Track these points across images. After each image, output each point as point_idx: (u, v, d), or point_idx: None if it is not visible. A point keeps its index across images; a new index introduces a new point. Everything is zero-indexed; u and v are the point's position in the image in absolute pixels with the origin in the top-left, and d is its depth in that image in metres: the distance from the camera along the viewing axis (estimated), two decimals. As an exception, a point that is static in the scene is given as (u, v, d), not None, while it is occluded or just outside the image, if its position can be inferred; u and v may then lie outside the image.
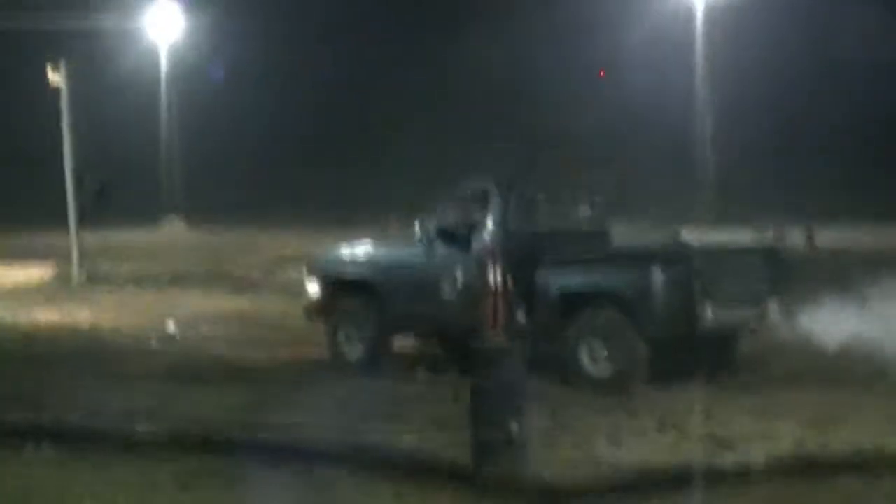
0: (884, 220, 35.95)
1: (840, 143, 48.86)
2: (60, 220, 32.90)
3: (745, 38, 46.14)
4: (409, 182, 20.88)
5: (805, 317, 15.01)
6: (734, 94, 45.60)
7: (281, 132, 60.12)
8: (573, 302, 14.81)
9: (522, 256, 13.93)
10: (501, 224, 15.36)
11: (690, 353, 14.53)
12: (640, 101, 47.75)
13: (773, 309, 15.12)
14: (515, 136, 50.00)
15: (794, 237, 33.94)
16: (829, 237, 33.95)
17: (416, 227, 16.07)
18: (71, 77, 32.12)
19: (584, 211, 16.66)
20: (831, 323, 14.79)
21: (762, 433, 11.64)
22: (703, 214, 37.19)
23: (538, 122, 51.01)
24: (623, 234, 17.30)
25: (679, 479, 9.78)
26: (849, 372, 14.16)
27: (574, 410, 12.76)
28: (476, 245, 15.31)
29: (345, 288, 16.87)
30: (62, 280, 31.32)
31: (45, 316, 23.59)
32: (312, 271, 17.41)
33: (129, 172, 55.14)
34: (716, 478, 9.80)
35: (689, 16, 44.78)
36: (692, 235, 17.62)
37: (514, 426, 9.53)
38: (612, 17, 48.92)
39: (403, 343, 17.17)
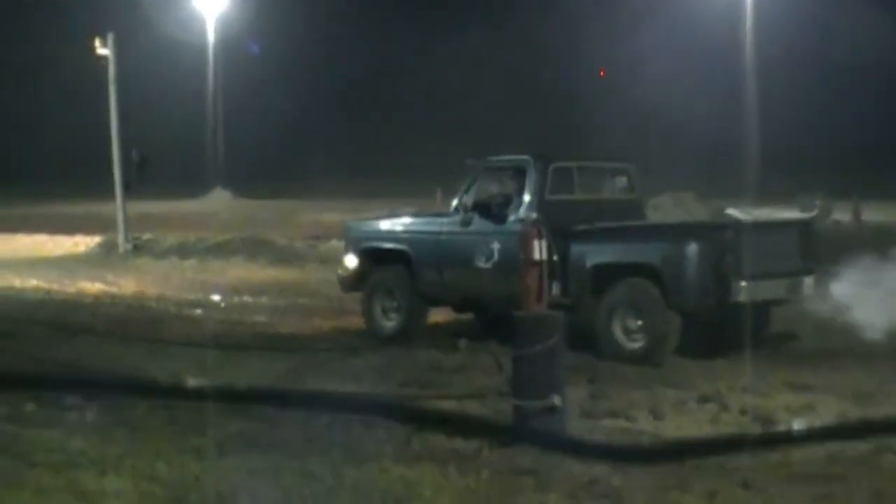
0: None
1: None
2: (107, 190, 33.14)
3: (792, 28, 45.89)
4: (454, 152, 20.87)
5: (842, 291, 14.91)
6: (781, 79, 45.36)
7: (325, 104, 60.21)
8: (607, 274, 14.81)
9: (557, 228, 13.91)
10: (539, 196, 15.41)
11: (724, 325, 14.60)
12: (688, 87, 47.68)
13: (808, 283, 15.06)
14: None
15: (840, 213, 33.84)
16: (878, 212, 33.75)
17: (452, 201, 16.18)
18: (117, 49, 32.29)
19: (619, 183, 16.74)
20: (868, 298, 14.69)
21: (803, 407, 11.56)
22: (750, 189, 36.99)
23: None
24: (664, 207, 17.29)
25: (721, 451, 9.72)
26: (885, 348, 14.02)
27: (613, 382, 12.73)
28: (513, 217, 15.38)
29: (381, 259, 16.92)
30: (108, 249, 31.59)
31: (91, 284, 23.80)
32: (349, 242, 17.49)
33: (174, 143, 55.55)
34: (760, 450, 9.71)
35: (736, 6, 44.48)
36: (736, 210, 17.49)
37: (556, 397, 9.52)
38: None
39: (440, 314, 17.25)
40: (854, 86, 48.91)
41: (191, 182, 53.21)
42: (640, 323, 14.50)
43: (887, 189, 39.67)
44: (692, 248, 14.38)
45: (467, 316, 17.29)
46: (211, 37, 56.75)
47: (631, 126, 48.17)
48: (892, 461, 9.39)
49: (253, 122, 58.78)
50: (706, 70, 47.31)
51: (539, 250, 9.89)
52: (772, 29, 44.74)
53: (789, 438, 10.21)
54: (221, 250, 29.74)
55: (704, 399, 11.96)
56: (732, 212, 17.31)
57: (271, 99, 60.73)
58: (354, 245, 17.33)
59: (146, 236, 32.56)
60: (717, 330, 14.77)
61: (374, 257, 17.03)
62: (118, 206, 32.28)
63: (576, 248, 14.80)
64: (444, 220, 16.41)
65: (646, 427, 10.88)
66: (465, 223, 16.00)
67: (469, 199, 16.02)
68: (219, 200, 51.39)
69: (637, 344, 14.51)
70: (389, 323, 16.70)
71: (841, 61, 50.27)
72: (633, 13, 50.01)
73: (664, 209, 27.82)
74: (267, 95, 60.36)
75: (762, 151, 42.86)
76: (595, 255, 14.98)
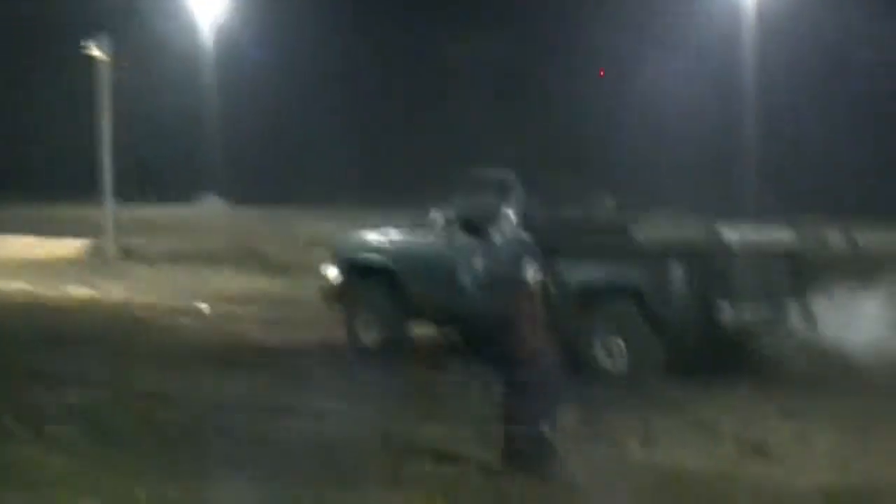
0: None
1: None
2: (98, 195, 32.91)
3: (790, 36, 45.65)
4: (451, 166, 20.84)
5: (830, 319, 14.74)
6: (779, 90, 45.16)
7: (321, 115, 59.99)
8: (590, 294, 14.64)
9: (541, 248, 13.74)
10: (523, 213, 15.25)
11: (710, 351, 14.41)
12: (679, 97, 47.42)
13: (797, 309, 14.89)
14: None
15: (835, 236, 33.61)
16: (876, 238, 33.52)
17: (435, 215, 16.01)
18: (112, 53, 32.10)
19: (606, 200, 16.61)
20: (857, 327, 14.51)
21: (798, 436, 11.37)
22: (744, 208, 36.79)
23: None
24: (656, 226, 17.12)
25: (714, 482, 9.53)
26: (875, 377, 13.82)
27: (603, 406, 12.52)
28: (497, 234, 15.23)
29: (364, 273, 16.75)
30: (96, 254, 31.33)
31: (77, 291, 23.56)
32: (332, 256, 17.35)
33: (169, 148, 55.31)
34: (755, 483, 9.54)
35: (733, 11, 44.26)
36: (729, 230, 17.30)
37: (545, 426, 9.32)
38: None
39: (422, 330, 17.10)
40: (867, 104, 48.64)
41: (185, 188, 52.96)
42: (622, 345, 14.34)
43: (886, 210, 39.46)
44: (675, 268, 14.21)
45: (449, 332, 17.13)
46: (206, 41, 56.58)
47: (628, 135, 47.91)
48: (890, 499, 9.21)
49: (252, 130, 58.56)
50: (712, 80, 47.03)
51: (532, 274, 9.67)
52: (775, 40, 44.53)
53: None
54: (212, 258, 29.50)
55: (695, 425, 11.76)
56: (725, 231, 17.10)
57: (272, 106, 60.48)
58: (337, 257, 17.19)
59: (135, 241, 32.32)
60: (707, 353, 14.61)
61: (357, 271, 16.87)
62: (107, 211, 32.07)
63: (559, 267, 14.60)
64: (428, 234, 16.25)
65: (636, 454, 10.67)
66: (448, 238, 15.86)
67: (452, 214, 15.87)
68: (212, 207, 51.13)
69: (620, 366, 14.34)
70: (371, 337, 16.53)
71: (851, 78, 50.09)
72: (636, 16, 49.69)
73: (655, 226, 27.63)
74: (267, 102, 60.08)
75: (761, 168, 42.66)
76: (579, 274, 14.80)
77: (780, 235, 15.84)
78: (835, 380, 14.03)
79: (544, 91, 53.80)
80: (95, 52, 31.99)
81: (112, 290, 23.79)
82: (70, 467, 9.10)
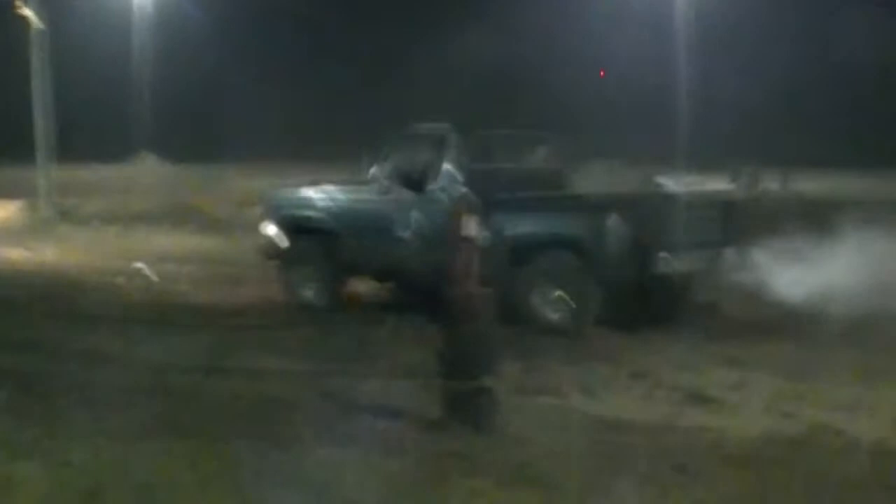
0: (872, 168, 35.82)
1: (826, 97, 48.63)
2: (30, 154, 32.50)
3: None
4: (388, 122, 20.79)
5: (765, 263, 14.81)
6: (715, 31, 45.25)
7: (261, 66, 59.48)
8: (527, 245, 14.66)
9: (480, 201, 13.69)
10: (459, 165, 15.23)
11: (646, 298, 14.55)
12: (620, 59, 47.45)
13: (732, 254, 14.96)
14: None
15: (771, 182, 33.82)
16: (810, 184, 33.77)
17: (371, 168, 15.93)
18: (41, 10, 31.63)
19: (542, 152, 16.60)
20: (792, 270, 14.59)
21: (737, 383, 11.42)
22: (680, 159, 36.90)
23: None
24: (596, 176, 17.13)
25: (656, 430, 9.54)
26: (810, 320, 13.89)
27: (543, 357, 12.52)
28: (433, 186, 15.24)
29: (299, 229, 16.62)
30: (31, 216, 30.94)
31: (11, 253, 23.27)
32: (268, 211, 17.21)
33: (100, 106, 54.68)
34: (695, 430, 9.56)
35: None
36: (666, 179, 17.33)
37: (486, 377, 9.28)
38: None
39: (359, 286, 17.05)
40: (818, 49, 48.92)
41: (117, 146, 52.37)
42: (559, 294, 14.37)
43: (821, 156, 39.75)
44: (614, 220, 14.25)
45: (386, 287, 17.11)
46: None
47: (575, 89, 47.87)
48: (829, 441, 9.26)
49: (183, 85, 57.94)
50: (649, 26, 47.01)
51: (468, 226, 9.61)
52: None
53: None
54: (147, 217, 29.26)
55: (635, 375, 11.79)
56: (662, 180, 17.14)
57: (203, 61, 59.87)
58: (273, 213, 17.04)
59: (70, 202, 31.97)
60: (643, 302, 14.67)
61: (294, 226, 16.74)
62: (40, 171, 31.68)
63: (495, 219, 14.56)
64: (364, 188, 16.15)
65: (578, 404, 10.66)
66: (384, 192, 15.79)
67: (388, 168, 15.79)
68: (145, 165, 50.68)
69: (557, 315, 14.39)
70: (308, 293, 16.45)
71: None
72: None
73: (593, 176, 27.70)
74: (203, 62, 59.48)
75: (700, 117, 42.76)
76: (515, 225, 14.79)
77: (716, 184, 15.92)
78: (772, 327, 14.13)
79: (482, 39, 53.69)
80: (27, 11, 31.52)
81: (47, 252, 23.53)
82: (6, 429, 8.95)
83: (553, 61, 49.73)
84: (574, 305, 14.25)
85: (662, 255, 14.03)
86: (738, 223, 15.34)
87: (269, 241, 16.98)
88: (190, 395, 10.58)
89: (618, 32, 47.17)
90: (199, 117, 57.13)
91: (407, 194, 15.61)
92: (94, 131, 49.73)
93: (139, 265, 20.46)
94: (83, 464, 8.10)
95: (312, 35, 61.37)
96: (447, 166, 15.37)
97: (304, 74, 59.35)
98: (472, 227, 9.54)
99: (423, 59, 54.52)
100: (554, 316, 14.39)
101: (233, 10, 58.78)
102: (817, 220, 15.68)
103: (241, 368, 11.90)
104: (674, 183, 16.51)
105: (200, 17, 57.35)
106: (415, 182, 15.56)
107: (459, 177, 15.13)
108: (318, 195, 16.75)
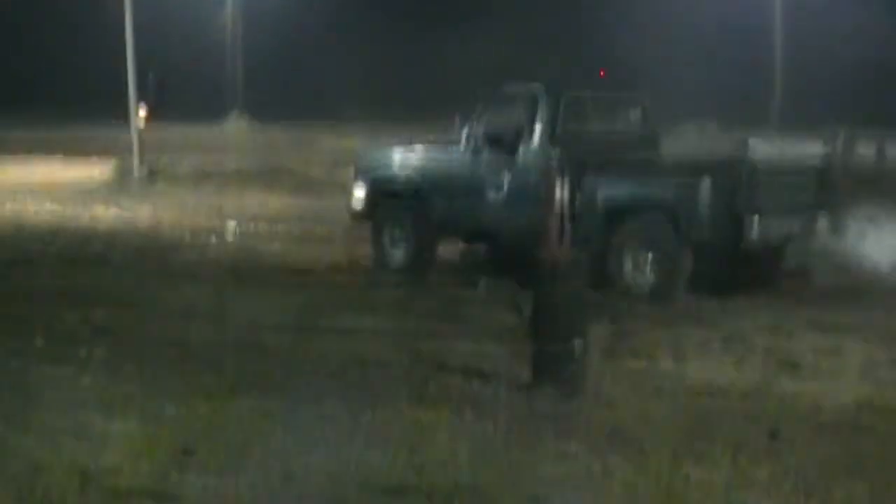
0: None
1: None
2: (124, 114, 32.80)
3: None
4: (477, 80, 20.74)
5: (857, 233, 14.63)
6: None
7: (346, 30, 59.57)
8: (620, 209, 14.59)
9: (570, 164, 13.63)
10: (550, 127, 15.14)
11: (740, 266, 14.46)
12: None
13: (825, 220, 14.78)
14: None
15: (864, 149, 33.30)
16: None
17: (462, 131, 15.86)
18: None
19: (634, 115, 16.43)
20: (886, 236, 14.40)
21: (830, 349, 11.29)
22: (773, 121, 36.51)
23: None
24: (688, 139, 17.00)
25: (749, 396, 9.46)
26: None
27: (635, 321, 12.47)
28: (524, 148, 15.17)
29: (390, 191, 16.63)
30: (123, 176, 31.27)
31: (105, 212, 23.56)
32: (358, 172, 17.20)
33: (192, 66, 55.09)
34: (789, 397, 9.47)
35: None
36: (759, 143, 17.13)
37: (577, 341, 9.25)
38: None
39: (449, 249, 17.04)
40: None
41: (209, 107, 52.77)
42: (651, 259, 14.31)
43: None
44: (706, 185, 14.15)
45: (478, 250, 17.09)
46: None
47: (656, 51, 47.52)
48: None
49: (275, 45, 58.23)
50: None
51: (560, 191, 9.57)
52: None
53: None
54: (238, 177, 29.48)
55: (728, 340, 11.71)
56: (754, 143, 16.95)
57: (294, 21, 60.10)
58: (364, 175, 17.04)
59: (163, 161, 32.26)
60: (735, 267, 14.55)
61: (384, 188, 16.75)
62: (133, 131, 31.97)
63: (588, 183, 14.47)
64: (455, 150, 16.09)
65: (668, 368, 10.61)
66: (476, 154, 15.72)
67: (480, 130, 15.71)
68: (237, 125, 51.01)
69: (649, 280, 14.33)
70: (398, 254, 16.44)
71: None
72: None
73: (686, 139, 27.53)
74: (289, 22, 59.71)
75: (790, 80, 42.31)
76: (607, 189, 14.71)
77: (808, 149, 15.71)
78: (864, 293, 13.95)
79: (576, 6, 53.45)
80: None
81: (139, 211, 23.79)
82: (102, 387, 9.09)
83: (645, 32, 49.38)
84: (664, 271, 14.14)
85: (754, 220, 13.88)
86: (831, 188, 15.12)
87: (359, 202, 16.97)
88: (282, 353, 10.67)
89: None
90: (288, 77, 57.36)
91: (498, 155, 15.53)
92: (188, 92, 50.13)
93: (229, 223, 20.64)
94: (176, 421, 8.20)
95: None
96: (539, 127, 15.28)
97: (392, 36, 59.32)
98: (564, 192, 9.49)
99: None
100: (646, 280, 14.30)
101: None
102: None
103: (332, 328, 11.96)
104: (767, 146, 16.30)
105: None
106: (506, 143, 15.48)
107: (551, 138, 15.03)
108: (410, 156, 16.73)
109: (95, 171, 31.76)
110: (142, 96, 32.22)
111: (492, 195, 15.48)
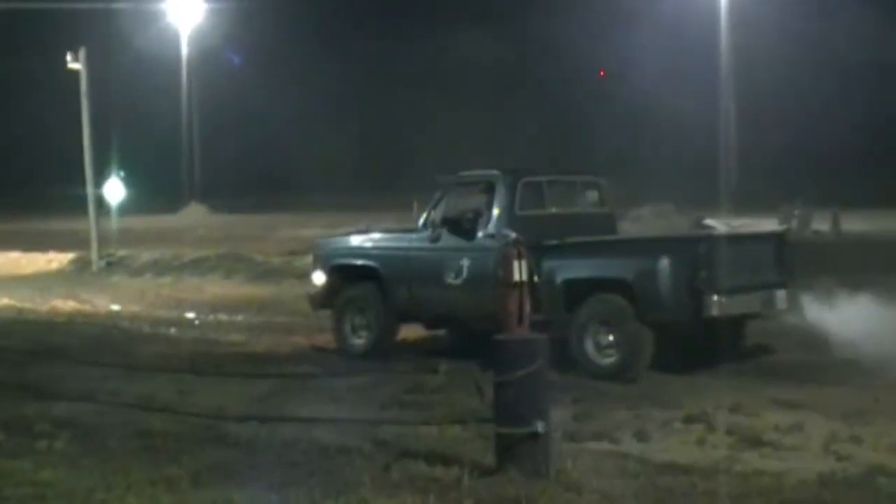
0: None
1: (861, 140, 48.47)
2: (81, 207, 32.78)
3: (765, 36, 45.78)
4: (437, 166, 20.94)
5: (818, 304, 14.73)
6: (757, 91, 45.32)
7: (305, 117, 59.95)
8: (579, 289, 14.66)
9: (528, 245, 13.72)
10: (508, 211, 15.26)
11: (700, 342, 14.55)
12: (662, 96, 47.51)
13: (783, 296, 14.90)
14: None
15: (820, 222, 33.67)
16: (860, 222, 33.54)
17: (421, 217, 16.00)
18: (91, 63, 31.99)
19: (590, 197, 16.59)
20: (845, 311, 14.50)
21: (792, 426, 11.32)
22: (728, 200, 36.84)
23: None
24: (645, 219, 17.12)
25: (712, 475, 9.47)
26: (866, 362, 13.78)
27: (596, 401, 12.49)
28: (482, 233, 15.28)
29: (350, 276, 16.68)
30: (81, 267, 31.22)
31: (64, 303, 23.47)
32: (317, 259, 17.28)
33: (150, 157, 55.22)
34: (751, 474, 9.47)
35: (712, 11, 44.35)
36: (714, 221, 17.28)
37: (539, 423, 9.24)
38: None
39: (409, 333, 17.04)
40: (843, 88, 48.70)
41: (167, 196, 52.86)
42: (612, 338, 14.38)
43: (872, 197, 39.55)
44: (665, 263, 14.19)
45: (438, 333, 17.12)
46: (185, 49, 56.47)
47: (621, 132, 48.07)
48: (884, 484, 9.17)
49: (231, 136, 58.52)
50: (692, 73, 47.07)
51: (519, 270, 9.62)
52: (752, 33, 44.59)
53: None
54: (197, 267, 29.41)
55: (690, 419, 11.70)
56: (711, 223, 17.09)
57: (250, 112, 60.40)
58: (323, 262, 17.11)
59: (121, 253, 32.20)
60: (695, 345, 14.62)
61: (344, 274, 16.79)
62: (91, 223, 31.93)
63: (547, 264, 14.56)
64: (414, 236, 16.20)
65: (632, 449, 10.61)
66: (434, 239, 15.83)
67: (438, 215, 15.84)
68: (195, 215, 51.03)
69: (610, 360, 14.37)
70: (359, 341, 16.49)
71: (829, 63, 50.16)
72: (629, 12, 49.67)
73: (644, 221, 27.74)
74: (245, 108, 60.00)
75: (744, 159, 42.74)
76: (566, 270, 14.79)
77: (766, 225, 15.85)
78: (826, 369, 14.03)
79: (537, 89, 53.96)
80: (74, 64, 31.90)
81: (98, 302, 23.70)
82: (62, 480, 9.01)
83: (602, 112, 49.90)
84: (625, 349, 14.20)
85: (714, 297, 13.96)
86: (789, 264, 15.25)
87: (318, 290, 17.01)
88: (244, 443, 10.62)
89: (669, 79, 47.32)
90: (249, 166, 57.59)
91: (456, 240, 15.63)
92: (146, 182, 50.23)
93: (188, 314, 20.57)
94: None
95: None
96: (496, 212, 15.40)
97: (346, 111, 59.75)
98: (522, 272, 9.53)
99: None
100: (607, 360, 14.35)
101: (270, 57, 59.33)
102: (867, 261, 15.57)
103: (294, 416, 11.90)
104: (723, 225, 16.45)
105: (238, 66, 57.98)
106: (465, 228, 15.59)
107: (509, 222, 15.14)
108: (368, 243, 16.80)
109: (53, 263, 31.67)
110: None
111: (451, 279, 15.55)
